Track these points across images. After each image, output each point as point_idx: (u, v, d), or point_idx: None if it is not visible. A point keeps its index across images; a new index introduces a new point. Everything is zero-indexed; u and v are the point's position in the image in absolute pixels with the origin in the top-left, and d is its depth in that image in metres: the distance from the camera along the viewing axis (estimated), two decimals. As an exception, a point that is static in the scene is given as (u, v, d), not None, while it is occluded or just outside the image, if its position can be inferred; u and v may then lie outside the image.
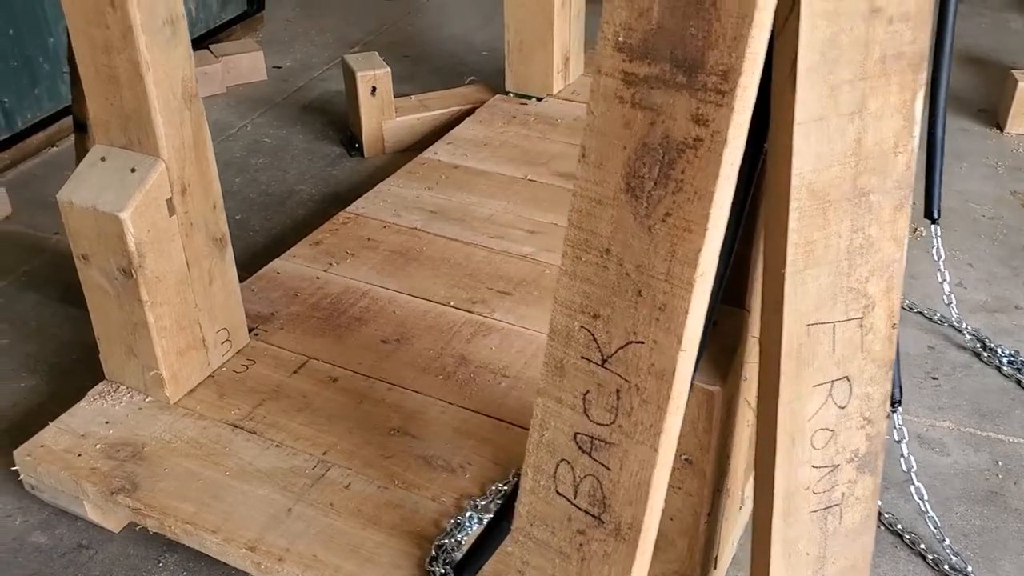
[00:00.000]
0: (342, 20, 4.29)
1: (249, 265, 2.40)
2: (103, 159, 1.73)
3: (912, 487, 1.74)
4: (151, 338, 1.77)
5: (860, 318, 1.16)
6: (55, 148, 3.18)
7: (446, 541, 1.56)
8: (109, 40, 1.60)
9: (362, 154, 3.13)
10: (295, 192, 2.96)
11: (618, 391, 1.08)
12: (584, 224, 1.07)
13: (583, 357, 1.10)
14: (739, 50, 0.93)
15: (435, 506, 1.65)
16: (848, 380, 1.19)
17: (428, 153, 2.84)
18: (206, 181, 1.80)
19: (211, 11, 3.92)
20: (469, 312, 2.11)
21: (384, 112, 3.10)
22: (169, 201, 1.72)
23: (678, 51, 0.97)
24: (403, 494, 1.67)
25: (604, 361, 1.09)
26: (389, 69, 3.06)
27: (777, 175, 1.08)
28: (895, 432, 1.69)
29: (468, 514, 1.61)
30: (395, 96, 3.15)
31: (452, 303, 2.14)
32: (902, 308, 2.30)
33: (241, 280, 2.26)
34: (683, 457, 1.34)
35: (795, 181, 1.05)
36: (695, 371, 1.18)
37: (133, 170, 1.69)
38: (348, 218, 2.47)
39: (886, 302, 1.16)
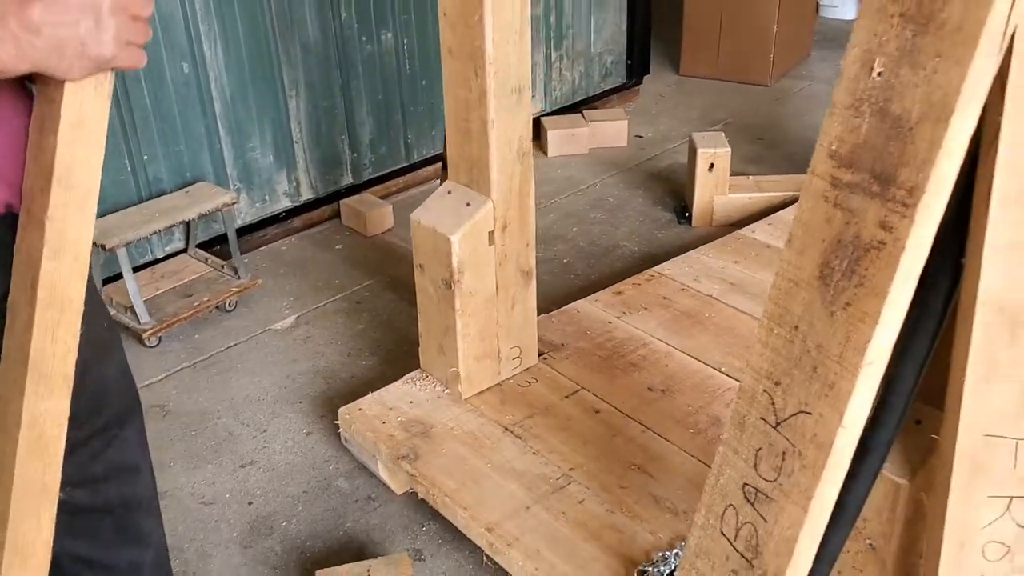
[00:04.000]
0: (710, 100, 4.56)
1: (561, 301, 2.73)
2: (449, 192, 2.14)
3: None
4: (456, 341, 2.15)
5: (1049, 443, 1.18)
6: (439, 181, 3.78)
7: (649, 569, 1.74)
8: (469, 100, 2.00)
9: (690, 223, 3.36)
10: (620, 247, 3.27)
11: (784, 453, 1.22)
12: (781, 301, 1.23)
13: (761, 418, 1.25)
14: (926, 171, 1.05)
15: (651, 539, 1.83)
16: (1030, 501, 1.21)
17: (746, 230, 3.00)
18: (524, 223, 2.15)
19: (592, 81, 4.38)
20: (736, 380, 2.25)
21: (718, 187, 3.31)
22: (491, 234, 2.09)
23: (877, 165, 1.11)
24: (626, 521, 1.87)
25: (777, 424, 1.23)
26: (729, 149, 3.27)
27: (967, 288, 1.16)
28: None
29: (676, 552, 1.77)
30: (735, 174, 3.35)
31: (723, 368, 2.30)
32: None
33: (548, 311, 2.61)
34: (867, 542, 1.41)
35: (981, 297, 1.13)
36: (885, 461, 1.28)
37: (468, 204, 2.08)
38: (652, 276, 2.72)
39: (1082, 434, 1.18)
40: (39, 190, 1.02)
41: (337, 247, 3.34)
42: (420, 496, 2.04)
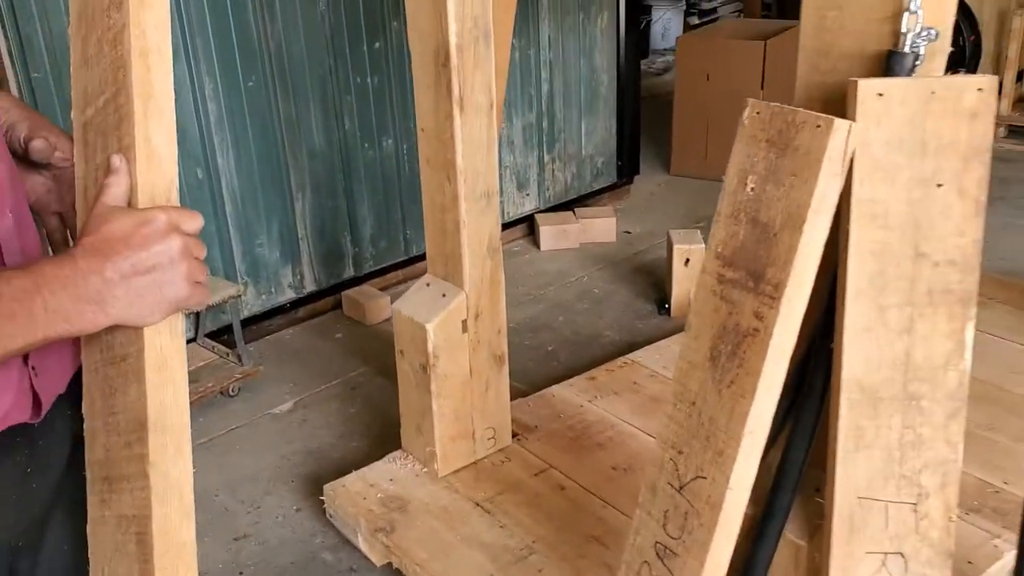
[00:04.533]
0: (697, 198, 4.81)
1: (542, 387, 2.92)
2: (428, 284, 2.36)
3: None
4: (433, 421, 2.34)
5: (914, 504, 1.35)
6: (436, 273, 4.02)
7: (598, 631, 1.89)
8: (444, 204, 2.25)
9: (669, 314, 3.56)
10: (602, 336, 3.47)
11: (686, 513, 1.40)
12: (682, 380, 1.42)
13: (668, 482, 1.43)
14: (787, 270, 1.26)
15: (603, 604, 1.98)
16: (903, 557, 1.38)
17: (717, 322, 3.20)
18: (495, 312, 2.36)
19: (584, 181, 4.66)
20: (694, 460, 2.42)
21: (694, 281, 3.51)
22: (464, 322, 2.31)
23: (751, 264, 1.32)
24: (581, 588, 2.03)
25: (680, 488, 1.41)
26: (703, 245, 3.49)
27: (836, 369, 1.35)
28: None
29: (623, 616, 1.92)
30: (711, 269, 3.56)
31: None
32: None
33: (526, 395, 2.80)
34: (777, 599, 1.57)
35: (845, 376, 1.32)
36: (786, 524, 1.46)
37: (444, 295, 2.30)
38: (625, 363, 2.91)
39: (942, 495, 1.35)
40: (133, 440, 0.98)
41: (337, 336, 3.57)
42: (395, 566, 2.21)
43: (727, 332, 1.35)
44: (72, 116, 1.03)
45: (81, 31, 1.01)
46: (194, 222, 0.94)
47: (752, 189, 1.32)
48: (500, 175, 4.26)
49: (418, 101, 2.22)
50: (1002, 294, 3.23)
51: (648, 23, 7.97)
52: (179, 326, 0.98)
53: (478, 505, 2.30)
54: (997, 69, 5.39)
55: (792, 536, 1.52)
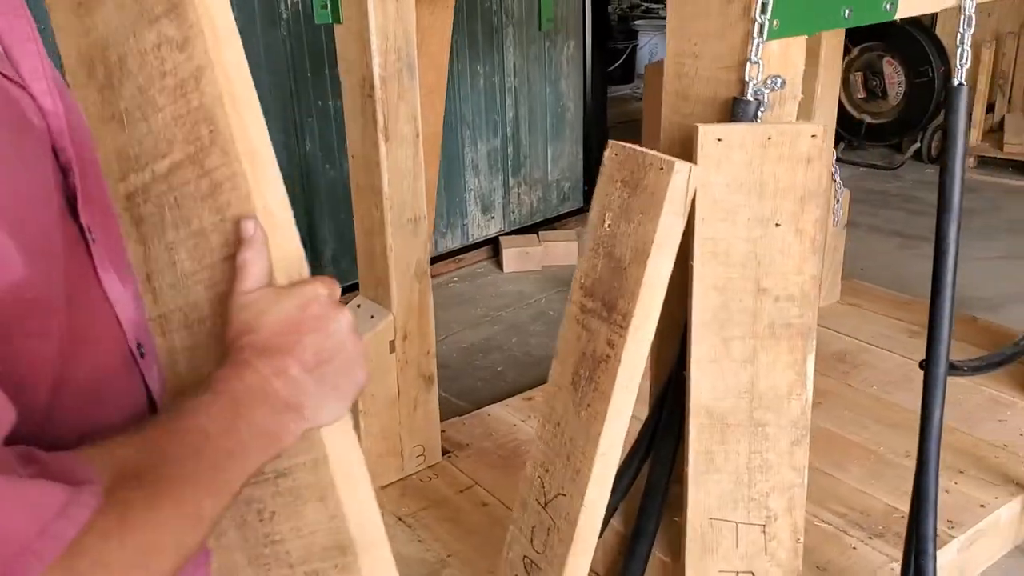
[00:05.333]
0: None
1: (486, 405, 3.00)
2: (359, 305, 2.45)
3: None
4: (360, 439, 2.41)
5: (763, 525, 1.43)
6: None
7: (497, 644, 1.96)
8: (372, 228, 2.33)
9: (619, 337, 3.64)
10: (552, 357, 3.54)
11: (549, 529, 1.47)
12: (550, 401, 1.51)
13: (535, 499, 1.51)
14: (633, 303, 1.34)
15: (508, 618, 2.05)
16: (754, 575, 1.45)
17: (660, 346, 3.27)
18: (424, 334, 2.44)
19: (550, 205, 4.75)
20: (616, 480, 2.49)
21: (644, 305, 3.59)
22: (392, 343, 2.39)
23: (606, 295, 1.40)
24: (489, 602, 2.10)
25: (545, 505, 1.49)
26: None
27: (688, 396, 1.43)
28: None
29: (523, 629, 1.99)
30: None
31: (606, 470, 2.54)
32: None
33: (464, 414, 2.88)
34: (651, 615, 1.64)
35: (695, 403, 1.40)
36: (655, 543, 1.53)
37: (372, 317, 2.39)
38: (561, 385, 2.99)
39: (789, 518, 1.43)
40: (327, 569, 0.83)
41: (293, 353, 3.64)
42: (316, 577, 2.28)
43: (586, 358, 1.43)
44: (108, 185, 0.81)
45: (97, 79, 0.81)
46: (338, 288, 0.79)
47: (609, 225, 1.40)
48: (464, 198, 4.38)
49: (347, 129, 2.31)
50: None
51: (634, 48, 8.09)
52: (351, 420, 0.82)
53: (400, 520, 2.37)
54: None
55: (660, 554, 1.60)
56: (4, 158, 0.60)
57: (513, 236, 4.51)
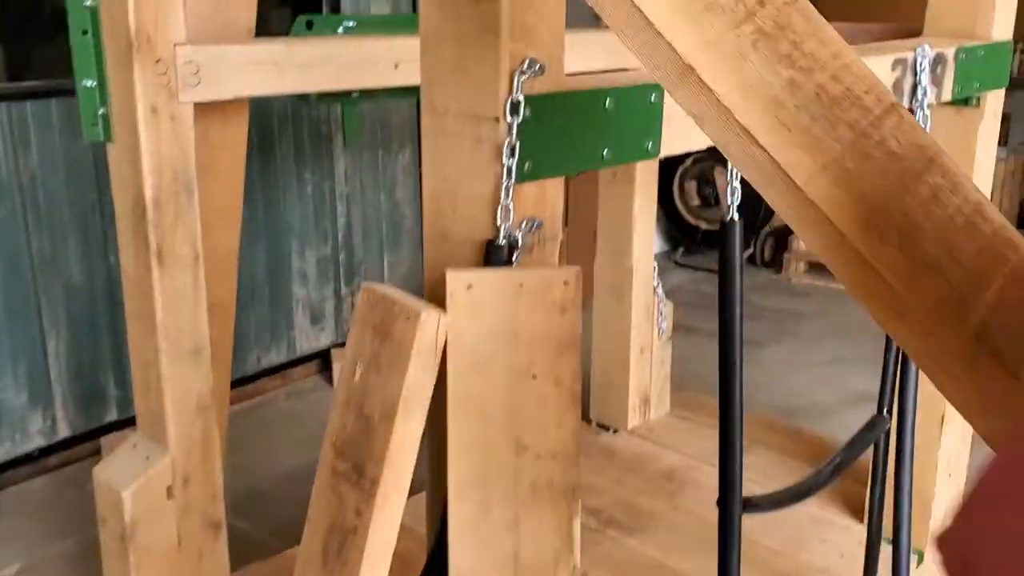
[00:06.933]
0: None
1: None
2: (135, 445, 2.21)
3: None
4: (133, 596, 2.15)
5: None
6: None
7: None
8: (147, 359, 2.12)
9: (448, 457, 3.47)
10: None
11: None
12: (300, 572, 1.33)
13: None
14: (382, 465, 1.20)
15: None
16: None
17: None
18: (209, 475, 2.22)
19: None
20: None
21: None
22: (169, 488, 2.15)
23: (357, 457, 1.25)
24: None
25: None
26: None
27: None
28: None
29: None
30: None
31: None
32: None
33: (274, 554, 2.64)
34: None
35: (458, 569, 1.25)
36: None
37: (148, 458, 2.15)
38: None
39: None
40: None
41: (88, 486, 3.31)
42: None
43: (335, 529, 1.27)
44: None
45: None
46: None
47: (360, 377, 1.26)
48: (292, 309, 4.18)
49: (120, 252, 2.11)
50: (769, 437, 3.27)
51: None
52: None
53: None
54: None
55: None
56: None
57: (343, 349, 4.32)
